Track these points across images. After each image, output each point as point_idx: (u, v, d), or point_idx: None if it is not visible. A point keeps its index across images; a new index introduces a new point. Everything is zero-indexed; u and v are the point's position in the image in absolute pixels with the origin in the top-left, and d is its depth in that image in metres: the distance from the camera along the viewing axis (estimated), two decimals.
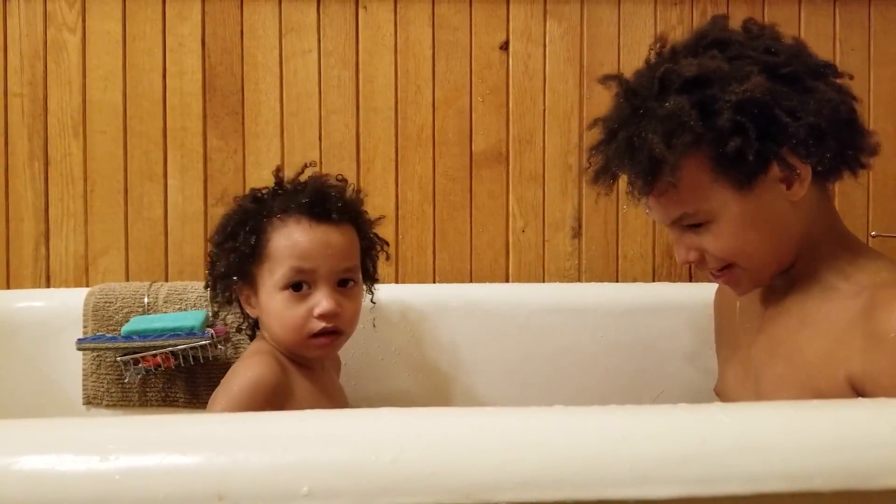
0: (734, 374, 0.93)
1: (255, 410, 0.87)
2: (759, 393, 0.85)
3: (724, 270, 0.83)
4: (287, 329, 0.93)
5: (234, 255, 0.94)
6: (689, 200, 0.79)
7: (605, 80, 0.85)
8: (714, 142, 0.75)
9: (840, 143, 0.77)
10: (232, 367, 0.96)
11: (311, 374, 0.98)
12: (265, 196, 0.98)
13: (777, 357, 0.83)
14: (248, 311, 0.99)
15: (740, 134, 0.74)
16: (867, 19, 1.36)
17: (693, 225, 0.81)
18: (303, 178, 1.00)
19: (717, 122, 0.74)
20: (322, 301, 0.92)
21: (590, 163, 0.85)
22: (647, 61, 0.83)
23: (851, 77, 0.81)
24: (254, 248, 0.93)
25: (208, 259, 1.02)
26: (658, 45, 0.84)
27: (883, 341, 0.71)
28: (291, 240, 0.92)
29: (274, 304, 0.93)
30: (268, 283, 0.93)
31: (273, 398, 0.90)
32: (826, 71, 0.79)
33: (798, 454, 0.52)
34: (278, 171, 1.01)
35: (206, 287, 1.02)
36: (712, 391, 0.98)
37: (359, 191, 1.05)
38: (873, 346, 0.72)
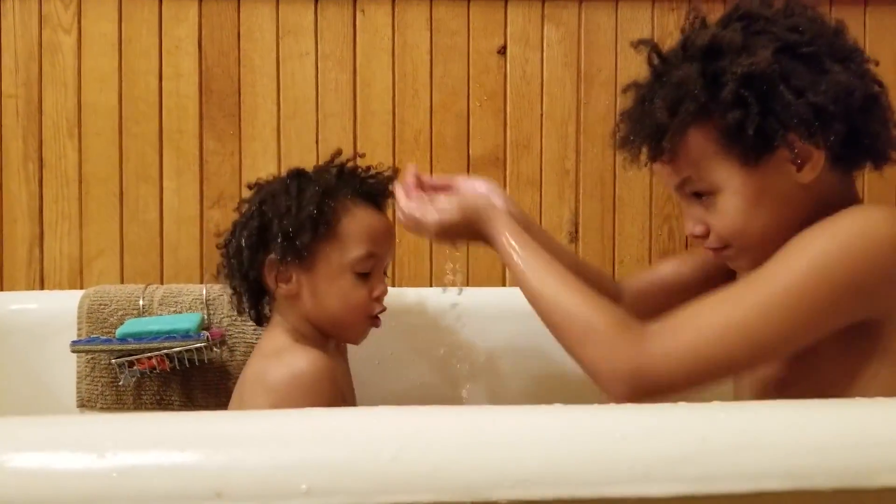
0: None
1: (323, 399, 0.87)
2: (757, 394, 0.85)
3: (723, 249, 0.83)
4: (349, 309, 0.94)
5: (315, 225, 0.91)
6: (693, 168, 0.79)
7: (638, 44, 0.84)
8: (720, 113, 0.75)
9: (852, 129, 0.75)
10: (262, 367, 0.91)
11: (335, 358, 0.98)
12: (333, 175, 0.97)
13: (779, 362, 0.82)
14: (282, 288, 0.93)
15: (742, 108, 0.74)
16: (862, 25, 1.36)
17: (699, 195, 0.81)
18: (350, 164, 1.00)
19: (722, 94, 0.74)
20: (380, 285, 0.97)
21: (618, 128, 0.85)
22: (683, 30, 0.83)
23: (877, 63, 0.79)
24: (329, 224, 0.92)
25: (243, 227, 0.94)
26: (692, 16, 0.83)
27: None
28: (370, 225, 0.95)
29: (340, 284, 0.94)
30: (334, 263, 0.93)
31: (331, 385, 0.89)
32: (852, 55, 0.78)
33: (798, 452, 0.51)
34: (337, 154, 1.00)
35: (232, 257, 0.95)
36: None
37: None
38: None
